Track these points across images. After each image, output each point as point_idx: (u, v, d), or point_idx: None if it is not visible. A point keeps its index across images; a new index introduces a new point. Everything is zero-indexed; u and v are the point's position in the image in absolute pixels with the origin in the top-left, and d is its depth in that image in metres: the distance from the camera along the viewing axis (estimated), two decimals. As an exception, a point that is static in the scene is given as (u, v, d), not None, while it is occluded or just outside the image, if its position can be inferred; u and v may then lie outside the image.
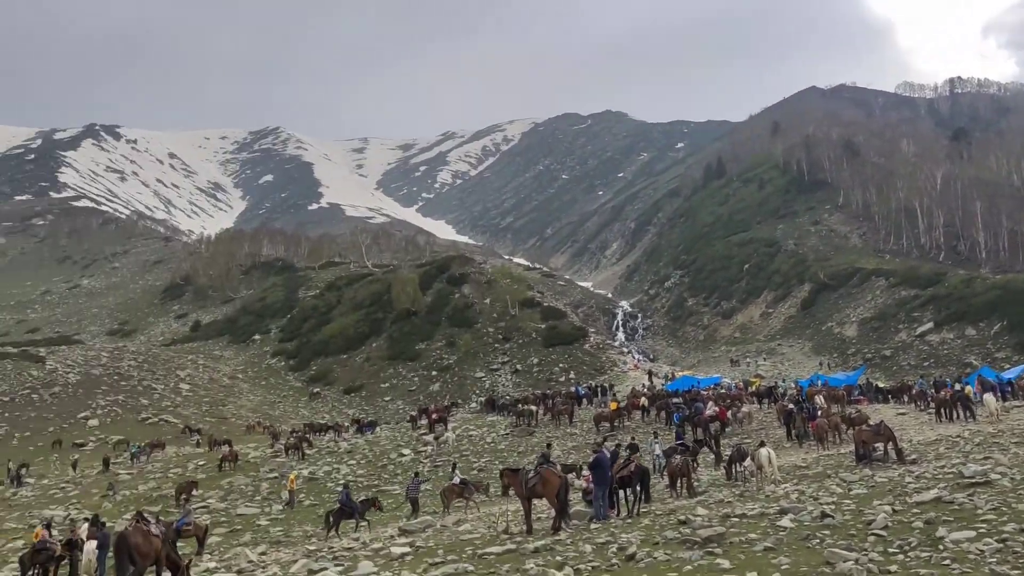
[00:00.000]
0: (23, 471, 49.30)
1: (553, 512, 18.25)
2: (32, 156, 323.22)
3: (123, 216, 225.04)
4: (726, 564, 11.73)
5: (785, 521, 14.17)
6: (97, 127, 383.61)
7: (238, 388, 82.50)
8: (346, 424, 60.15)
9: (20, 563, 24.75)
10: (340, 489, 28.99)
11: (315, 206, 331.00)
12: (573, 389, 58.51)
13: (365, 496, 29.63)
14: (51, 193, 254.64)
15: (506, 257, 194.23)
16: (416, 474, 32.75)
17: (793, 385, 51.52)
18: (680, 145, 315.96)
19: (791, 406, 35.95)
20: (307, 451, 44.36)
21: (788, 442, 32.77)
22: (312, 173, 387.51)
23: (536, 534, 17.21)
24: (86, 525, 25.91)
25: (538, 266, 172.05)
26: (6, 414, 68.38)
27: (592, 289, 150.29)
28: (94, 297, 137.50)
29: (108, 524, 27.80)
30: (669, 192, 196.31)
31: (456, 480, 28.42)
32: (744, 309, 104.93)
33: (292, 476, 35.43)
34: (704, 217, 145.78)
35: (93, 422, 67.33)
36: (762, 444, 23.45)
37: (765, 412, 42.18)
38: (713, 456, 28.44)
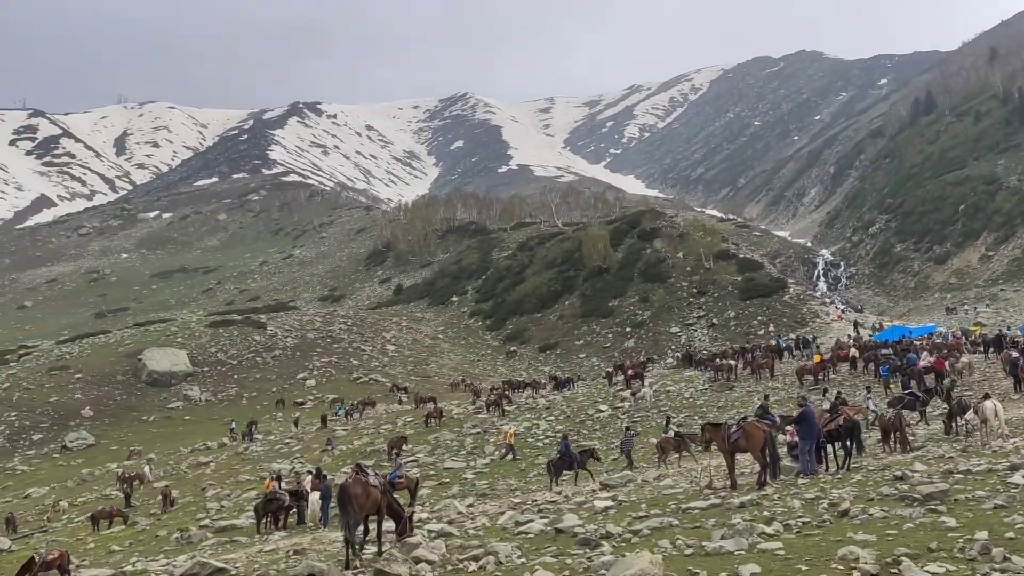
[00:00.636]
0: (253, 428, 53.54)
1: (758, 467, 17.77)
2: (245, 136, 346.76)
3: (327, 188, 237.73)
4: (952, 522, 10.96)
5: (1017, 478, 13.09)
6: (300, 105, 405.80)
7: (439, 348, 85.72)
8: (543, 381, 61.20)
9: (255, 511, 26.95)
10: (560, 440, 29.57)
11: (504, 168, 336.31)
12: (773, 342, 56.68)
13: (584, 447, 30.11)
14: (263, 170, 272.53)
15: (698, 209, 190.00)
16: (627, 428, 32.79)
17: (1020, 333, 47.45)
18: (883, 81, 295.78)
19: (1017, 355, 33.11)
20: (507, 407, 45.51)
21: (1015, 394, 30.30)
22: (500, 136, 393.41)
23: (740, 489, 16.83)
24: (310, 477, 27.84)
25: (732, 217, 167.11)
26: (235, 376, 74.49)
27: (789, 238, 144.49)
28: (305, 266, 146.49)
29: (328, 476, 29.72)
30: (871, 132, 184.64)
31: (671, 433, 28.34)
32: (960, 253, 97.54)
33: (511, 430, 36.20)
34: (912, 157, 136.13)
35: (310, 382, 72.11)
36: (987, 396, 21.81)
37: (989, 362, 39.15)
38: (947, 408, 26.75)
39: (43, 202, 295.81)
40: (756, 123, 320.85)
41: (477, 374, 75.73)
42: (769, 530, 11.96)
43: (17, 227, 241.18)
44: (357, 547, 14.35)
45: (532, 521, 16.04)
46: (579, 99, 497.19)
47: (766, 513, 13.33)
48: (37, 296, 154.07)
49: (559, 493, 22.50)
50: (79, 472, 52.51)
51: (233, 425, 57.25)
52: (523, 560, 12.48)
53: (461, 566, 12.61)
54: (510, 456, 33.72)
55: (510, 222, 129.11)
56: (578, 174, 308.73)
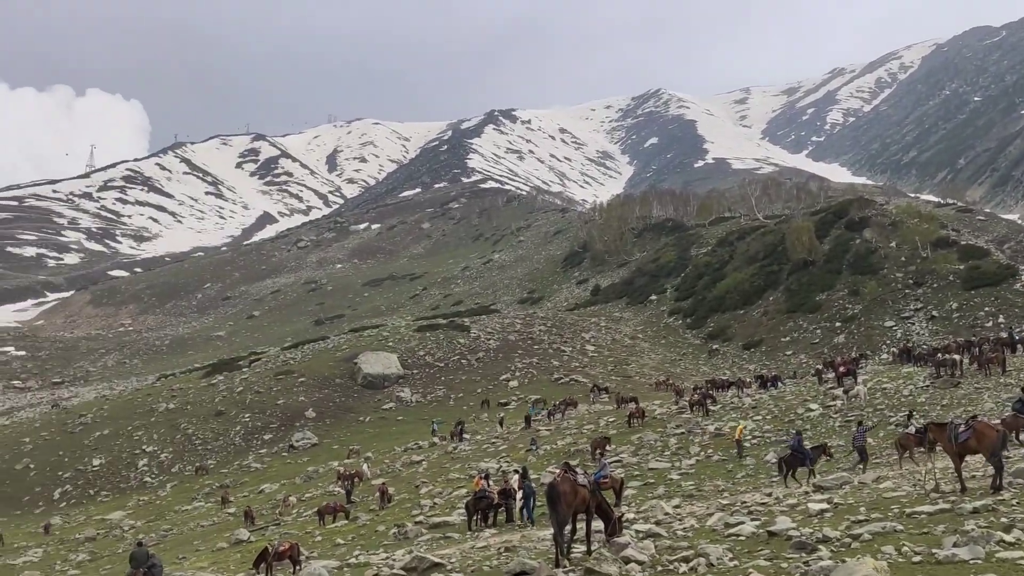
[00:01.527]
0: (462, 427, 55.29)
1: (991, 469, 16.42)
2: (445, 147, 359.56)
3: (524, 193, 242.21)
4: None
5: None
6: (496, 113, 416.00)
7: (639, 347, 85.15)
8: (748, 379, 59.44)
9: (466, 508, 27.80)
10: (792, 436, 28.70)
11: (700, 163, 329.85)
12: (1004, 334, 52.22)
13: (815, 443, 29.10)
14: (463, 178, 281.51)
15: (911, 195, 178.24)
16: (859, 423, 31.33)
17: None
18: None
19: None
20: (711, 407, 44.54)
21: None
22: (695, 131, 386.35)
23: (972, 493, 15.62)
24: (516, 476, 28.42)
25: (951, 201, 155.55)
26: (443, 378, 77.25)
27: (1020, 222, 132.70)
28: (504, 269, 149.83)
29: (533, 476, 30.21)
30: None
31: (911, 429, 26.87)
32: None
33: (739, 427, 35.36)
34: None
35: (513, 383, 73.60)
36: None
37: None
38: None
39: (266, 219, 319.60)
40: (976, 99, 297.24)
41: (679, 373, 74.61)
42: (1009, 538, 11.03)
43: (245, 243, 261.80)
44: (566, 546, 14.49)
45: (743, 523, 15.60)
46: (776, 87, 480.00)
47: (1004, 519, 12.30)
48: (264, 306, 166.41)
49: (769, 495, 21.75)
50: (305, 469, 56.20)
51: (435, 426, 59.43)
52: (735, 563, 12.16)
53: (671, 567, 12.46)
54: (738, 454, 32.89)
55: (708, 217, 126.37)
56: (778, 165, 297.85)
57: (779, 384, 53.54)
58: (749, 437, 35.81)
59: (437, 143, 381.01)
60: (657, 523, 18.22)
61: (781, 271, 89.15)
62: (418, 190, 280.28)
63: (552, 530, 14.77)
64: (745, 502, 20.39)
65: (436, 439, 55.68)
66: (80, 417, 79.02)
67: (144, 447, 70.33)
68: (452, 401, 72.08)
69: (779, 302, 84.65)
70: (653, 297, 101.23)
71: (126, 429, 73.51)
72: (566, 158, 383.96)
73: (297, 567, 24.43)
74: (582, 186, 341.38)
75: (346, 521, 35.72)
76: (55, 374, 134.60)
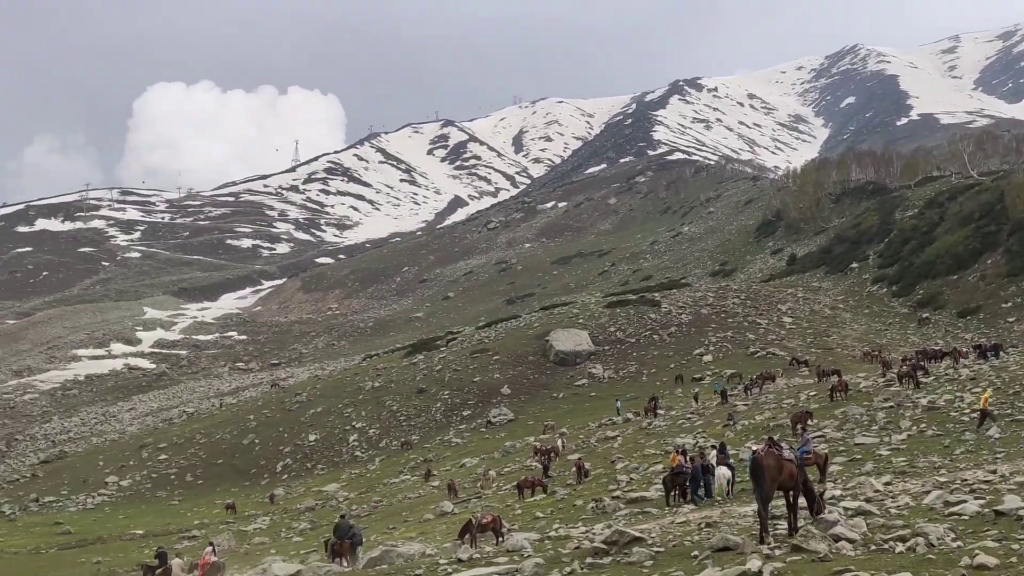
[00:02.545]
0: (656, 403, 54.81)
1: None
2: (629, 121, 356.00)
3: (712, 163, 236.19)
4: None
5: None
6: (680, 83, 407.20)
7: (840, 318, 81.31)
8: (965, 349, 55.40)
9: (663, 484, 27.61)
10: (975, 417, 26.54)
11: (903, 120, 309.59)
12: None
13: None
14: (648, 151, 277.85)
15: None
16: None
17: None
18: None
19: None
20: (922, 380, 41.87)
21: None
22: (897, 86, 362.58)
23: None
24: (714, 452, 27.91)
25: None
26: (634, 354, 76.92)
27: None
28: (694, 242, 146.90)
29: (731, 451, 29.54)
30: None
31: None
32: None
33: (984, 395, 32.56)
34: None
35: (707, 357, 72.19)
36: None
37: None
38: None
39: (457, 203, 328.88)
40: None
41: (885, 344, 70.61)
42: None
43: (438, 227, 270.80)
44: (770, 522, 14.05)
45: (965, 502, 14.58)
46: (990, 32, 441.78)
47: None
48: (458, 287, 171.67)
49: (993, 472, 20.20)
50: (502, 444, 57.65)
51: (619, 404, 59.44)
52: (959, 544, 11.37)
53: (886, 546, 11.81)
54: (983, 424, 30.07)
55: (914, 178, 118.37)
56: (993, 117, 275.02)
57: (1000, 354, 49.58)
58: (966, 410, 33.35)
59: (621, 117, 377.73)
60: (867, 500, 17.35)
61: (1000, 232, 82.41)
62: (603, 166, 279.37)
63: (755, 506, 14.35)
64: (966, 479, 19.06)
65: (620, 418, 55.54)
66: (296, 396, 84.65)
67: (354, 423, 74.47)
68: (645, 377, 71.64)
69: (998, 265, 78.34)
70: (854, 265, 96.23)
71: (337, 406, 78.08)
72: (756, 124, 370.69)
73: (500, 539, 25.10)
74: (773, 152, 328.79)
75: (544, 495, 36.34)
76: (273, 356, 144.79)
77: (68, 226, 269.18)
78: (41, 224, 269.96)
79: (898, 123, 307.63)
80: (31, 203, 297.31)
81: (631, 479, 34.13)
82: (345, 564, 26.33)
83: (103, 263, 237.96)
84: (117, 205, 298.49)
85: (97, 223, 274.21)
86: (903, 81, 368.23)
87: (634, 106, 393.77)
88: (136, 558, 45.92)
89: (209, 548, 33.73)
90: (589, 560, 15.92)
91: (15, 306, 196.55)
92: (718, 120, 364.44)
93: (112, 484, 71.85)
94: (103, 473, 74.78)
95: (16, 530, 60.14)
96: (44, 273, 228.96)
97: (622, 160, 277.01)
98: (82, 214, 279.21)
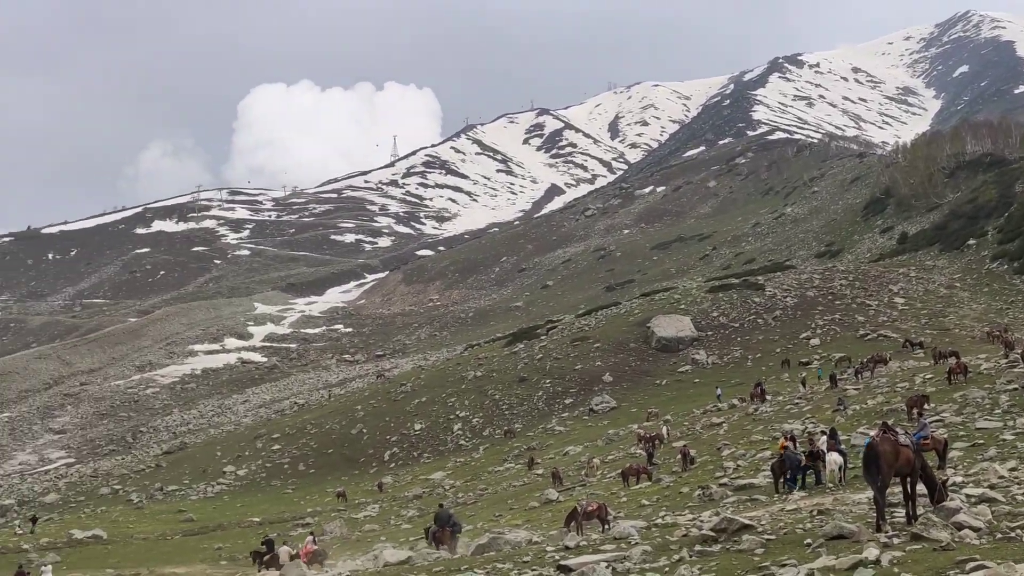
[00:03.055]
0: (761, 388, 53.64)
1: None
2: (727, 102, 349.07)
3: (815, 141, 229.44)
4: None
5: None
6: (780, 60, 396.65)
7: (957, 297, 77.96)
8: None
9: (772, 470, 27.05)
10: None
11: (1022, 88, 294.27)
12: None
13: None
14: (747, 132, 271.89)
15: None
16: None
17: None
18: None
19: None
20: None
21: None
22: (1014, 52, 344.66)
23: None
24: (824, 438, 27.17)
25: None
26: (738, 339, 75.53)
27: None
28: (798, 223, 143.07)
29: (843, 437, 28.71)
30: None
31: None
32: None
33: None
34: None
35: (814, 341, 70.31)
36: None
37: None
38: None
39: (554, 191, 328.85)
40: None
41: (1007, 324, 67.37)
42: None
43: (535, 216, 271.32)
44: (887, 509, 13.59)
45: (1101, 489, 13.80)
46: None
47: None
48: (556, 275, 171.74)
49: None
50: (605, 432, 57.50)
51: (719, 391, 58.43)
52: (1096, 533, 10.77)
53: (1013, 535, 11.28)
54: None
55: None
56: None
57: None
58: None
59: (719, 98, 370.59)
60: (991, 487, 16.61)
61: None
62: (702, 148, 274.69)
63: (869, 493, 13.90)
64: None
65: (724, 404, 54.67)
66: (401, 386, 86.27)
67: (457, 412, 75.44)
68: (749, 362, 70.28)
69: None
70: (971, 242, 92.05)
71: (441, 396, 79.23)
72: (861, 99, 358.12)
73: (606, 526, 25.06)
74: (881, 127, 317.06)
75: (649, 483, 36.09)
76: (377, 347, 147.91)
77: (182, 227, 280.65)
78: (157, 225, 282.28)
79: (1016, 91, 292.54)
80: (147, 206, 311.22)
81: (738, 466, 33.56)
82: (446, 551, 26.81)
83: (215, 261, 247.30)
84: (226, 205, 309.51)
85: (208, 223, 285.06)
86: (1020, 47, 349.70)
87: (732, 86, 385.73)
88: (253, 544, 47.61)
89: (310, 537, 34.95)
90: (698, 548, 15.73)
91: (136, 304, 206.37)
92: (820, 97, 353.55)
93: (230, 473, 74.73)
94: (221, 463, 77.83)
95: (144, 517, 63.19)
96: (161, 272, 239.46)
97: (721, 142, 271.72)
98: (194, 215, 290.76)
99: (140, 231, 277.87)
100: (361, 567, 27.08)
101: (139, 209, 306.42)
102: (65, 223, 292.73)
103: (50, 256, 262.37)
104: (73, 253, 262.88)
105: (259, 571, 34.50)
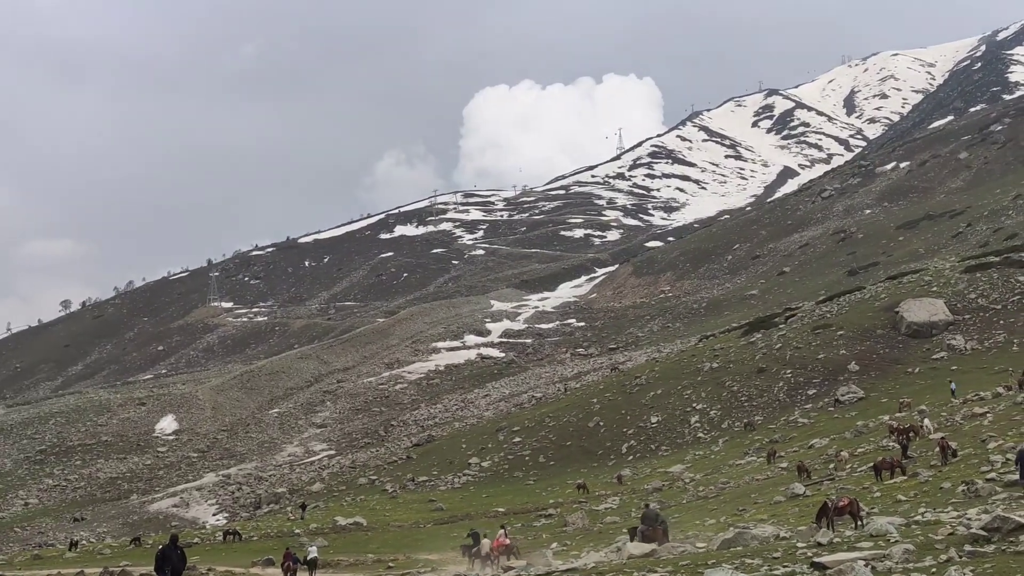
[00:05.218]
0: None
1: None
2: (979, 65, 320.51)
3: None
4: None
5: None
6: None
7: None
8: None
9: None
10: None
11: None
12: None
13: None
14: (1003, 96, 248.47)
15: None
16: None
17: None
18: None
19: None
20: None
21: None
22: None
23: None
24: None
25: None
26: (1000, 321, 69.53)
27: None
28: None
29: None
30: None
31: None
32: None
33: None
34: None
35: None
36: None
37: None
38: None
39: (787, 173, 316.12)
40: None
41: None
42: None
43: (768, 200, 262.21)
44: None
45: None
46: None
47: None
48: (793, 261, 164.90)
49: None
50: (853, 424, 54.70)
51: (953, 386, 54.02)
52: None
53: None
54: None
55: None
56: None
57: None
58: None
59: (968, 62, 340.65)
60: None
61: None
62: (950, 118, 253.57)
63: None
64: None
65: (957, 400, 50.69)
66: (636, 379, 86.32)
67: (694, 404, 74.47)
68: (1015, 347, 64.36)
69: None
70: None
71: (676, 388, 78.52)
72: None
73: (859, 522, 23.93)
74: None
75: (904, 477, 34.04)
76: (610, 340, 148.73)
77: (421, 230, 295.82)
78: (399, 230, 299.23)
79: None
80: (389, 212, 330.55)
81: (1007, 459, 30.87)
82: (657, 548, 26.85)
83: (453, 262, 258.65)
84: (461, 207, 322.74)
85: (445, 225, 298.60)
86: None
87: (983, 48, 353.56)
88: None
89: (501, 531, 35.96)
90: (968, 548, 14.70)
91: (383, 306, 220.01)
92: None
93: (474, 465, 78.00)
94: (466, 455, 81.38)
95: (398, 506, 67.38)
96: (404, 274, 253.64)
97: (972, 109, 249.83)
98: (432, 218, 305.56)
99: (384, 236, 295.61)
100: (605, 559, 27.46)
101: (382, 216, 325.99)
102: (318, 232, 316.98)
103: (306, 264, 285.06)
104: (326, 260, 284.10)
105: (469, 562, 35.99)
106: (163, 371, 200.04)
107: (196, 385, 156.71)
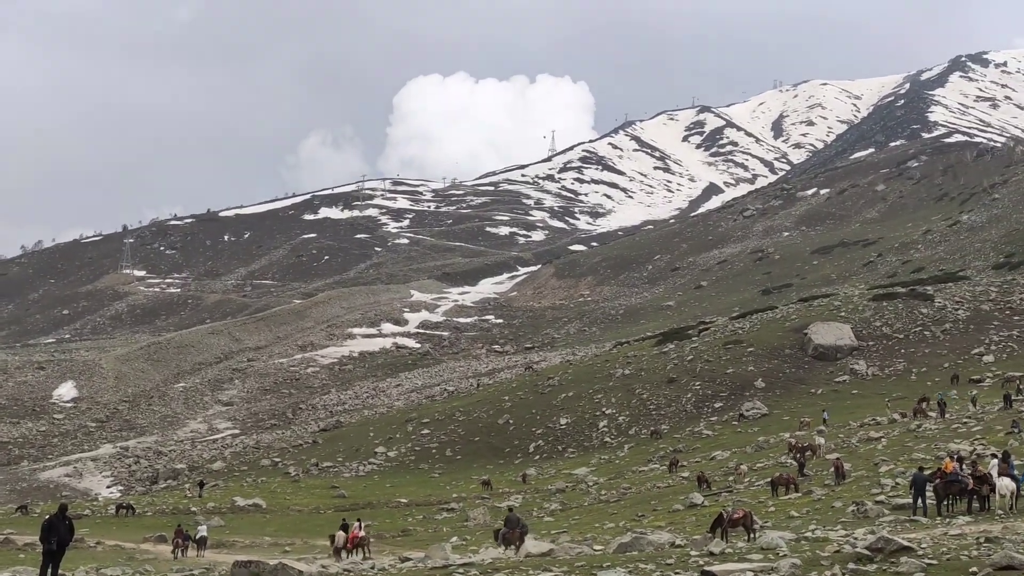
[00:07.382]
0: (943, 405, 50.69)
1: None
2: (901, 102, 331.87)
3: (998, 144, 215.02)
4: None
5: None
6: (962, 58, 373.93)
7: None
8: None
9: (935, 492, 25.76)
10: None
11: None
12: None
13: None
14: (922, 134, 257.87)
15: None
16: None
17: None
18: None
19: None
20: None
21: None
22: None
23: None
24: (995, 461, 25.61)
25: None
26: (902, 350, 72.02)
27: None
28: (975, 232, 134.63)
29: (1017, 463, 26.97)
30: None
31: None
32: None
33: None
34: None
35: (988, 358, 66.25)
36: None
37: None
38: None
39: (712, 190, 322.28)
40: None
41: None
42: None
43: (691, 215, 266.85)
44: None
45: None
46: None
47: None
48: (711, 276, 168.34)
49: None
50: (755, 439, 56.12)
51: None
52: None
53: None
54: None
55: None
56: None
57: None
58: None
59: (892, 98, 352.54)
60: None
61: None
62: (871, 150, 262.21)
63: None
64: None
65: (894, 415, 52.37)
66: (548, 379, 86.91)
67: (604, 409, 75.31)
68: (914, 376, 66.91)
69: None
70: None
71: (587, 392, 79.30)
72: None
73: (752, 535, 24.55)
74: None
75: (799, 494, 35.04)
76: (527, 340, 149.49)
77: (346, 214, 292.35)
78: (324, 212, 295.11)
79: None
80: (316, 193, 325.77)
81: (896, 484, 32.09)
82: (512, 551, 27.39)
83: (376, 248, 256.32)
84: (389, 195, 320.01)
85: (371, 211, 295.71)
86: None
87: (907, 85, 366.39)
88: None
89: (356, 523, 35.81)
90: (852, 566, 15.21)
91: (301, 287, 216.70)
92: (1007, 98, 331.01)
93: (381, 454, 77.46)
94: (373, 443, 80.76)
95: (299, 491, 66.44)
96: (325, 257, 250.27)
97: (892, 144, 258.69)
98: (359, 203, 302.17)
99: (308, 217, 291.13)
100: (503, 556, 27.58)
101: (308, 196, 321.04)
102: (240, 207, 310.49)
103: (226, 238, 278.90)
104: (246, 236, 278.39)
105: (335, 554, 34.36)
106: (67, 336, 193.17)
107: (100, 353, 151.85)
